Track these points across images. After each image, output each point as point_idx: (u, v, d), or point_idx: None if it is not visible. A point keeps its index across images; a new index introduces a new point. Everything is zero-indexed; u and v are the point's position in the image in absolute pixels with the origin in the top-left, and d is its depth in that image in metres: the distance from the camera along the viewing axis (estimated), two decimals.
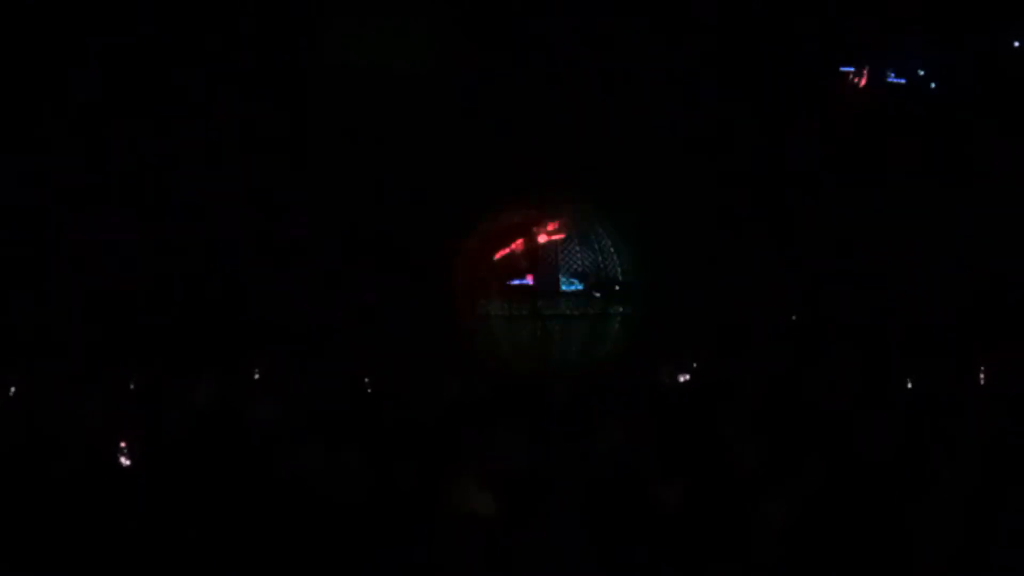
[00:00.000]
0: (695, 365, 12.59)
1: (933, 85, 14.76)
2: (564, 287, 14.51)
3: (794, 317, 15.05)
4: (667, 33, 14.55)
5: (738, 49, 14.72)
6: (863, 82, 15.19)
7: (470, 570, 6.19)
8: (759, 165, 14.94)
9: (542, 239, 14.71)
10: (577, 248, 14.71)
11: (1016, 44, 14.78)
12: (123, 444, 7.72)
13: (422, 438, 7.86)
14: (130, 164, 14.30)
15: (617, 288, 14.22)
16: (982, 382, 10.48)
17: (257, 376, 12.48)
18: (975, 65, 14.53)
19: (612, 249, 14.43)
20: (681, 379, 12.08)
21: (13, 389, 10.77)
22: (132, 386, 11.25)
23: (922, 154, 14.53)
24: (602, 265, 14.33)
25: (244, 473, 7.21)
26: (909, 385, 10.30)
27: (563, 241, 14.78)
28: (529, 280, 14.41)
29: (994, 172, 14.18)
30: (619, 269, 14.22)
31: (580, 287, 14.44)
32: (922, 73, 14.91)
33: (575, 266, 14.61)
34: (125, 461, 7.66)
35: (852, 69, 15.28)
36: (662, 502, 6.50)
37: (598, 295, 14.21)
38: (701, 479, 6.64)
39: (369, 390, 11.47)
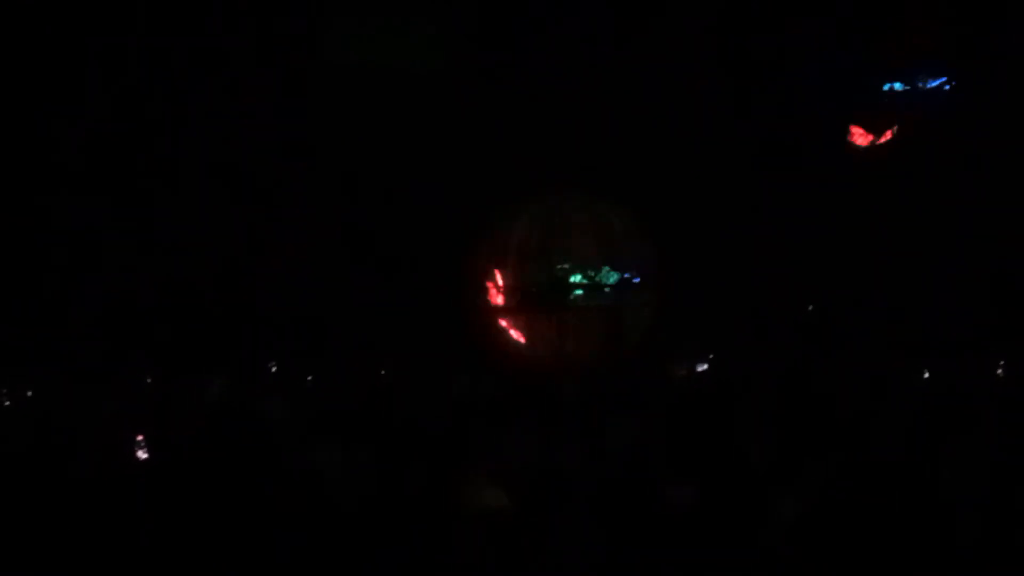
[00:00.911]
0: (711, 356, 12.55)
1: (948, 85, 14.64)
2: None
3: (810, 307, 14.96)
4: (677, 27, 14.50)
5: (749, 44, 14.65)
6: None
7: (480, 568, 6.19)
8: (771, 160, 14.88)
9: None
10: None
11: None
12: (139, 438, 7.78)
13: (432, 436, 7.86)
14: (135, 164, 14.33)
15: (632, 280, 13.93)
16: (997, 380, 10.43)
17: (270, 372, 12.54)
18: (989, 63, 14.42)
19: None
20: (699, 368, 12.03)
21: (28, 390, 10.84)
22: (144, 385, 11.31)
23: (935, 149, 14.45)
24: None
25: (255, 471, 7.23)
26: (922, 382, 10.27)
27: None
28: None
29: (1011, 166, 14.10)
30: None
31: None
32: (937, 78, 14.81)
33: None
34: (141, 455, 7.71)
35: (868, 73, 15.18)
36: (674, 501, 6.48)
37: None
38: (713, 478, 6.61)
39: (379, 388, 11.49)
